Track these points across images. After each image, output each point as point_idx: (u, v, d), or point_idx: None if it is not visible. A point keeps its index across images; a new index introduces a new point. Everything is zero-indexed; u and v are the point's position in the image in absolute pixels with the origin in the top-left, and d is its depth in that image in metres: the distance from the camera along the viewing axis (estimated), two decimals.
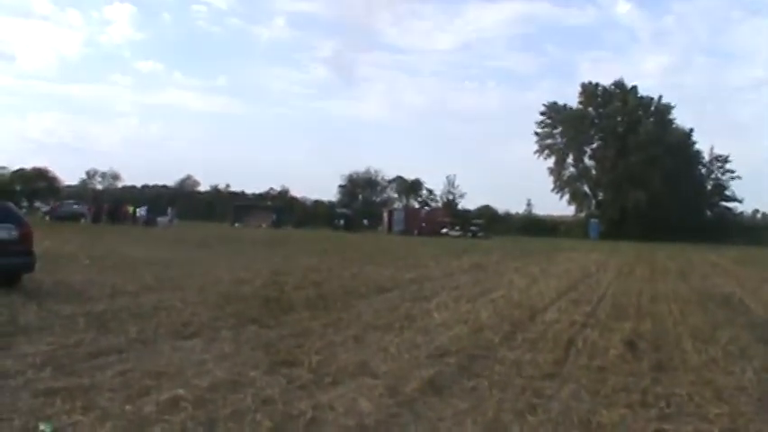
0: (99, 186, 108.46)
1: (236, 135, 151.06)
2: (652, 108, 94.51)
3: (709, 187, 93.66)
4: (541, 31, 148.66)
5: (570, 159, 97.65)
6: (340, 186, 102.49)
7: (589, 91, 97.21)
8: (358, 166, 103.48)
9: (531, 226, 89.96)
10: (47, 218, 61.85)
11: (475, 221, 78.86)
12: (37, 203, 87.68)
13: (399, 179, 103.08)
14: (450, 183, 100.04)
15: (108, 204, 70.58)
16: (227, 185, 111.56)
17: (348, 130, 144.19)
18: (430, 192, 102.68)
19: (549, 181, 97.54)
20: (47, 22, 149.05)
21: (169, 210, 72.85)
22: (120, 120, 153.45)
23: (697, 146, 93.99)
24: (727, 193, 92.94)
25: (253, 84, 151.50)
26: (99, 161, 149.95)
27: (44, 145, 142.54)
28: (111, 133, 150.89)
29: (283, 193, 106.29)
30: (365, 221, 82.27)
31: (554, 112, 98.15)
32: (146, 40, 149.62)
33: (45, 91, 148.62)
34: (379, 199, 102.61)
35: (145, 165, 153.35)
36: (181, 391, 6.31)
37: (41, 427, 5.34)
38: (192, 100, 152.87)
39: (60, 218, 60.93)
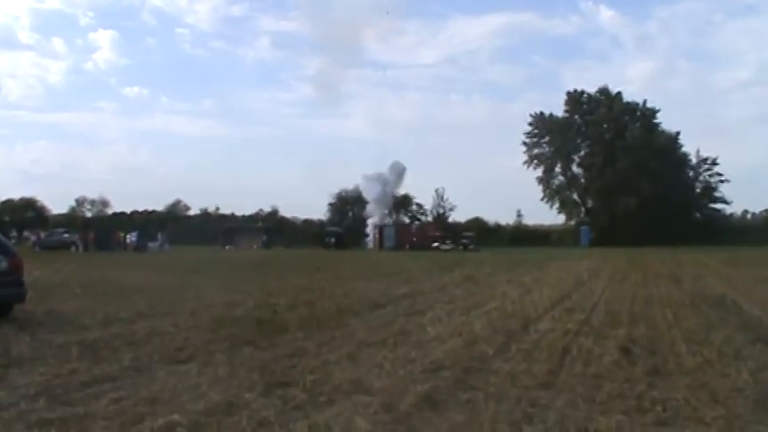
0: (88, 214, 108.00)
1: (224, 157, 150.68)
2: (638, 113, 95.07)
3: (697, 190, 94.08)
4: (525, 42, 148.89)
5: (558, 168, 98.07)
6: (329, 204, 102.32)
7: (574, 99, 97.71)
8: (347, 183, 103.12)
9: (522, 236, 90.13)
10: (36, 248, 61.52)
11: (465, 234, 78.81)
12: (26, 233, 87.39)
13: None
14: (440, 196, 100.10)
15: (94, 232, 70.28)
16: (217, 208, 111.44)
17: (336, 148, 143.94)
18: (420, 206, 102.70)
19: (538, 191, 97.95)
20: (31, 52, 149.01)
21: (159, 235, 72.74)
22: (108, 146, 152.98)
23: (684, 149, 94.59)
24: (716, 194, 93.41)
25: (239, 105, 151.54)
26: (88, 188, 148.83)
27: (32, 174, 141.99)
28: (100, 160, 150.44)
29: (273, 214, 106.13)
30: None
31: (541, 122, 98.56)
32: (131, 66, 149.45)
33: (31, 120, 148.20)
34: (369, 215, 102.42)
35: (134, 190, 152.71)
36: (176, 417, 6.28)
37: None
38: (180, 124, 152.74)
39: (50, 247, 60.59)
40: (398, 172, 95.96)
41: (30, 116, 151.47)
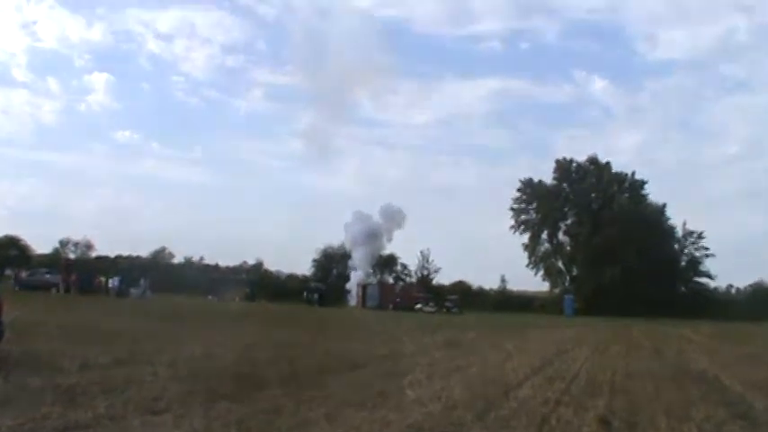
0: (71, 256, 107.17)
1: (211, 207, 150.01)
2: (626, 184, 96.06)
3: (683, 263, 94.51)
4: (518, 108, 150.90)
5: (545, 235, 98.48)
6: (314, 261, 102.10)
7: (564, 167, 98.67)
8: (332, 239, 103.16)
9: (506, 302, 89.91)
10: (16, 287, 60.80)
11: (449, 297, 78.65)
12: (8, 272, 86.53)
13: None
14: (425, 258, 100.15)
15: (76, 274, 69.60)
16: (201, 258, 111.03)
17: (323, 204, 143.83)
18: (404, 267, 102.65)
19: (523, 257, 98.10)
20: (25, 90, 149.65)
21: (142, 281, 72.13)
22: (96, 189, 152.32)
23: (671, 221, 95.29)
24: (702, 268, 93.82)
25: (229, 155, 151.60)
26: (73, 230, 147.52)
27: (18, 213, 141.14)
28: (87, 202, 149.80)
29: (257, 266, 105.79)
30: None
31: (529, 188, 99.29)
32: (123, 110, 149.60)
33: (21, 158, 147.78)
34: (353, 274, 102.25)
35: (119, 235, 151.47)
36: None
37: None
38: (169, 171, 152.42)
39: (30, 287, 59.92)
40: (394, 217, 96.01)
41: (20, 153, 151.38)
